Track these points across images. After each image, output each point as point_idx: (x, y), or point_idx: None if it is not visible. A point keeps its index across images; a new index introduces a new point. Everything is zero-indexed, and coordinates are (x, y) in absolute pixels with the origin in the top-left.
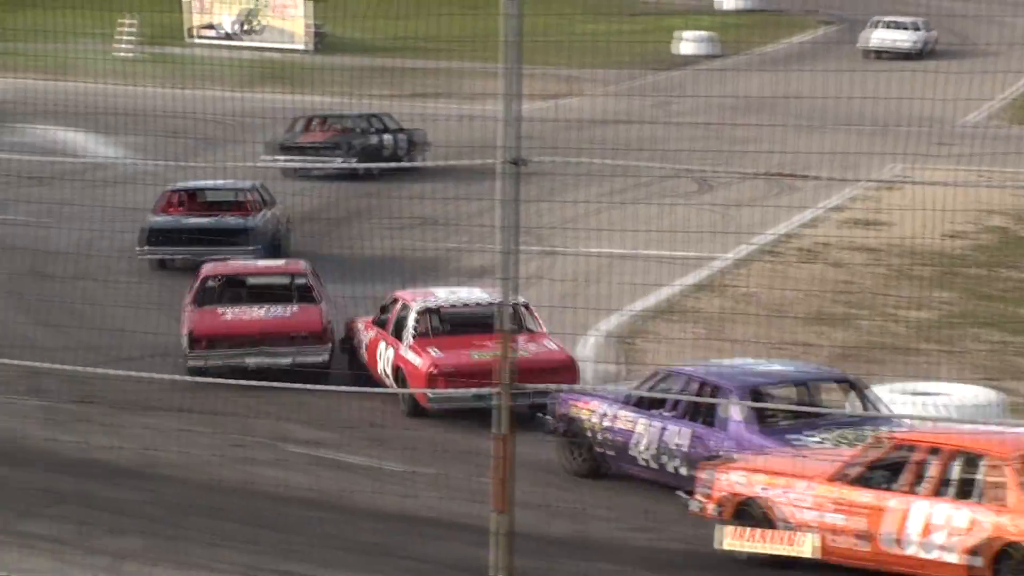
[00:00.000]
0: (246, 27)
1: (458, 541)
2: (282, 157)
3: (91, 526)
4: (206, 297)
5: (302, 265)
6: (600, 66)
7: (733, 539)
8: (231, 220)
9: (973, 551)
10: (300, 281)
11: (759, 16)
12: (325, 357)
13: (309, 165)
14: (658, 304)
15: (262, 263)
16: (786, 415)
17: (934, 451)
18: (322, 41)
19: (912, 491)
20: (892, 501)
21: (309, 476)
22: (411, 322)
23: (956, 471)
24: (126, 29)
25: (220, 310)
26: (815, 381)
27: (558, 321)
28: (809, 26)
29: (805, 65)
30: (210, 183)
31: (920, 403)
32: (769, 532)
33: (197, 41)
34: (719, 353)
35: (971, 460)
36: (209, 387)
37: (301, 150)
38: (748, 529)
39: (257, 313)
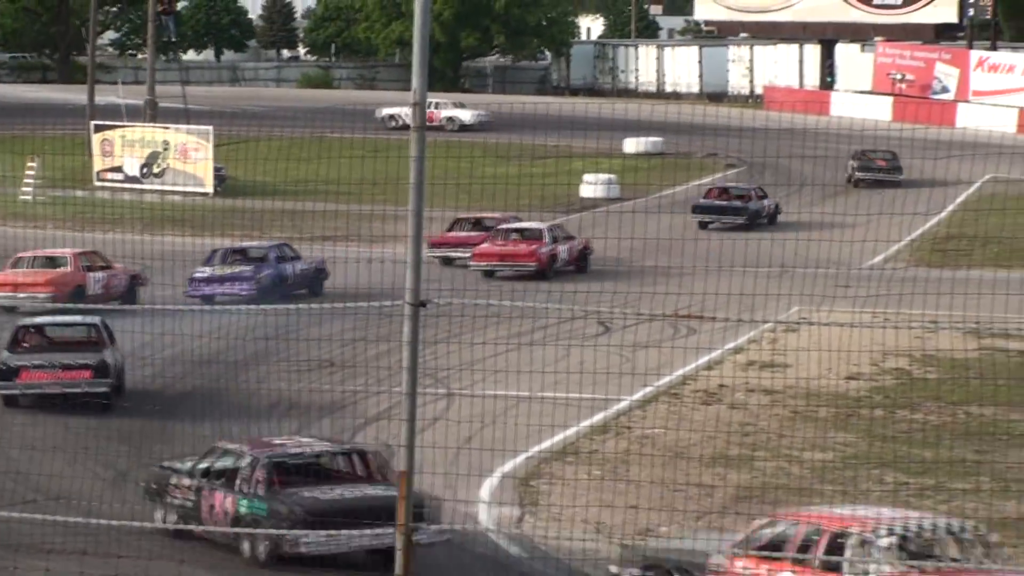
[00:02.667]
0: (150, 171)
1: None
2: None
3: None
4: None
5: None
6: (504, 209)
7: None
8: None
9: None
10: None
11: (660, 159)
12: None
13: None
14: (555, 446)
15: None
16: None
17: None
18: (223, 184)
19: None
20: None
21: None
22: None
23: None
24: (31, 172)
25: None
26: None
27: (455, 463)
28: (710, 168)
29: None
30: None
31: None
32: None
33: (102, 184)
34: (614, 495)
35: None
36: (110, 530)
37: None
38: None
39: None
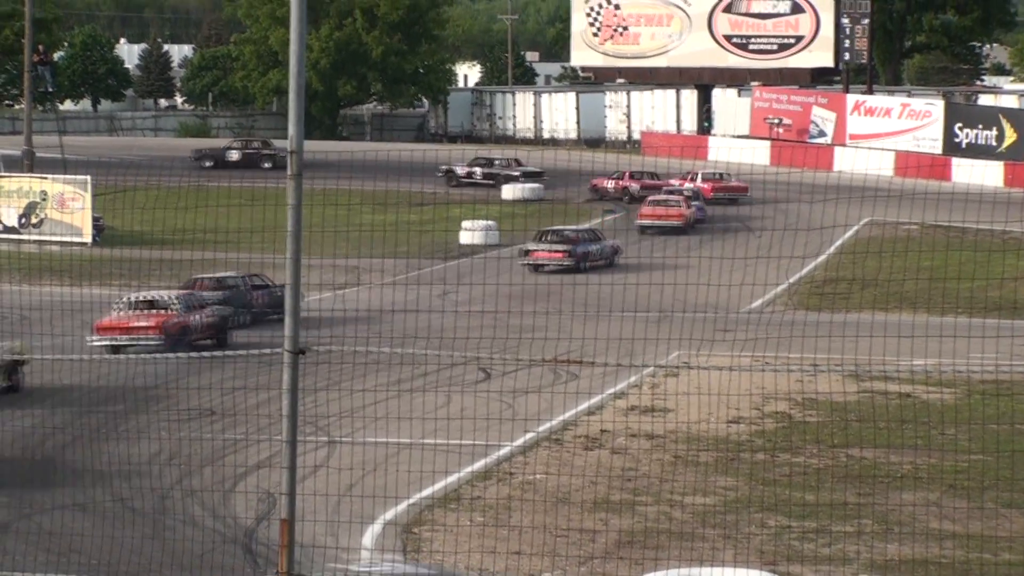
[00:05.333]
0: (28, 221)
1: None
2: None
3: None
4: None
5: None
6: (383, 256)
7: None
8: None
9: None
10: None
11: (537, 206)
12: None
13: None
14: (438, 493)
15: None
16: None
17: None
18: (101, 234)
19: None
20: None
21: None
22: None
23: None
24: None
25: None
26: None
27: (337, 511)
28: (587, 214)
29: None
30: None
31: None
32: None
33: None
34: (497, 541)
35: None
36: None
37: None
38: None
39: None
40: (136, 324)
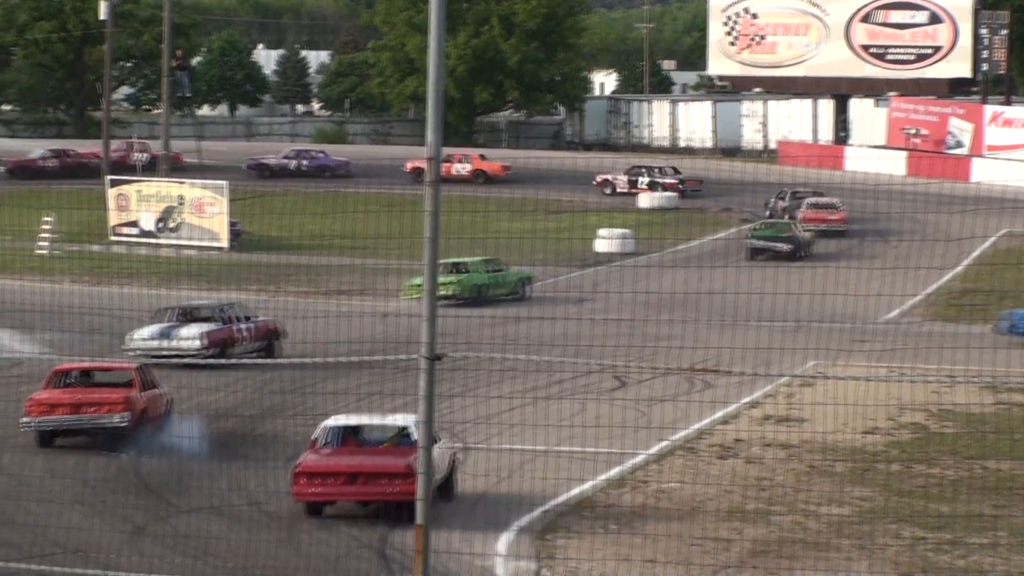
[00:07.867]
0: (165, 225)
1: None
2: None
3: None
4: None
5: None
6: (518, 263)
7: None
8: None
9: None
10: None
11: (675, 214)
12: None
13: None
14: (572, 500)
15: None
16: None
17: None
18: (238, 238)
19: None
20: None
21: None
22: None
23: None
24: (47, 227)
25: None
26: None
27: (471, 517)
28: (724, 223)
29: (719, 261)
30: None
31: None
32: None
33: (117, 239)
34: (630, 549)
35: None
36: None
37: None
38: None
39: None
40: (828, 217)
